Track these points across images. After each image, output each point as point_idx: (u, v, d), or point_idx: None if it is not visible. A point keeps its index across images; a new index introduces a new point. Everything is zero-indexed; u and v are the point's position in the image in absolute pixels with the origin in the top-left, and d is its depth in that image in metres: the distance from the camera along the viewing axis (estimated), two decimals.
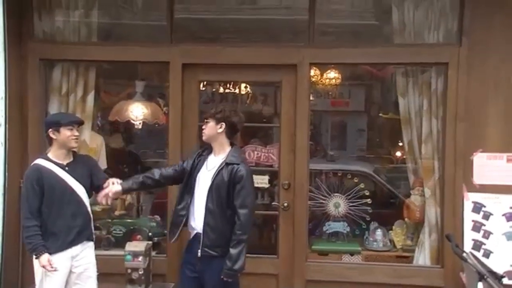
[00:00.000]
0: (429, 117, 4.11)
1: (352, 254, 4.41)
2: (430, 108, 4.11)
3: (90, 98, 4.36)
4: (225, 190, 3.24)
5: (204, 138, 3.42)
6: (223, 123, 3.32)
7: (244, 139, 4.81)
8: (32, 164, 3.40)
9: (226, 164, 3.28)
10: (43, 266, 3.23)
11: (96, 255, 3.53)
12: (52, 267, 3.22)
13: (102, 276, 3.56)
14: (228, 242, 3.23)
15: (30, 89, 4.20)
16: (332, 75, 6.49)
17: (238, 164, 3.26)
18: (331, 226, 4.54)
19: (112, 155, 5.15)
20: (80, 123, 3.50)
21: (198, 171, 3.38)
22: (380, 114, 8.27)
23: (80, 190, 3.38)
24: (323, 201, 4.52)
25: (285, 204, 4.18)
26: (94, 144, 4.63)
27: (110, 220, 4.62)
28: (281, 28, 4.89)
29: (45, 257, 3.22)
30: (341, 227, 4.53)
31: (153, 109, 5.27)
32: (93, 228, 3.53)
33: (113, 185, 3.40)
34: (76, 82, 4.33)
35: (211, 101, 7.23)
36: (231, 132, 3.38)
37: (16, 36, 4.12)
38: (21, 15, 4.21)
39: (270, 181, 4.52)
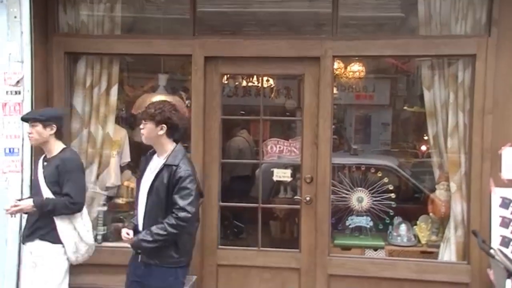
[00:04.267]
0: (455, 110, 4.02)
1: (375, 249, 4.36)
2: (456, 101, 4.02)
3: (114, 91, 4.40)
4: (165, 193, 3.06)
5: (143, 140, 3.24)
6: (164, 125, 3.12)
7: (267, 132, 4.81)
8: None
9: (166, 165, 3.10)
10: None
11: (118, 247, 3.57)
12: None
13: (125, 268, 3.59)
14: (169, 250, 3.08)
15: (55, 82, 4.26)
16: (356, 68, 6.42)
17: (176, 166, 3.07)
18: (354, 221, 4.49)
19: (136, 148, 5.18)
20: (25, 120, 3.44)
21: (143, 174, 3.24)
22: (405, 108, 8.16)
23: (44, 187, 3.35)
24: (346, 196, 4.47)
25: (308, 198, 4.15)
26: (118, 137, 4.67)
27: (132, 213, 4.66)
28: (304, 21, 4.84)
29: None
30: (364, 221, 4.48)
31: (176, 102, 5.28)
32: (56, 229, 3.33)
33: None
34: (100, 75, 4.37)
35: (234, 95, 7.25)
36: (172, 132, 3.17)
37: (41, 30, 4.18)
38: (46, 9, 4.26)
39: (292, 175, 4.51)
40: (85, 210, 3.52)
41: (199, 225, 3.39)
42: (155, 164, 3.19)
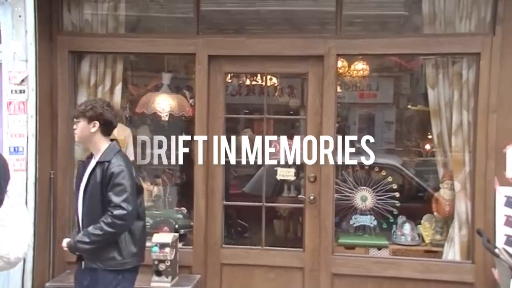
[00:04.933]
0: (459, 108, 4.01)
1: (379, 248, 4.36)
2: (460, 100, 4.00)
3: (118, 90, 4.41)
4: (99, 191, 2.95)
5: (76, 140, 3.14)
6: (96, 122, 3.01)
7: (270, 130, 4.80)
8: None
9: (99, 163, 2.98)
10: None
11: None
12: None
13: None
14: (110, 253, 2.97)
15: (59, 81, 4.27)
16: (360, 66, 6.39)
17: (108, 161, 2.95)
18: (358, 220, 4.48)
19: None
20: None
21: (81, 180, 3.10)
22: (409, 106, 8.14)
23: None
24: (350, 194, 4.47)
25: (311, 197, 4.15)
26: (122, 136, 4.66)
27: None
28: (308, 19, 4.84)
29: None
30: (368, 220, 4.47)
31: (179, 101, 5.29)
32: None
33: None
34: (104, 74, 4.38)
35: (237, 94, 7.24)
36: (107, 129, 3.07)
37: (46, 29, 4.19)
38: (51, 8, 4.27)
39: (296, 174, 4.50)
40: (13, 216, 3.26)
41: (145, 224, 3.24)
42: (90, 166, 3.07)
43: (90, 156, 3.15)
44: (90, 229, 2.93)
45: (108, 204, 2.93)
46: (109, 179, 2.93)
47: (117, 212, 2.88)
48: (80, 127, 3.04)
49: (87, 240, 2.92)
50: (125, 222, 2.92)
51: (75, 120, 3.07)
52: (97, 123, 3.02)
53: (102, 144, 3.07)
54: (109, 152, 3.03)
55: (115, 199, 2.90)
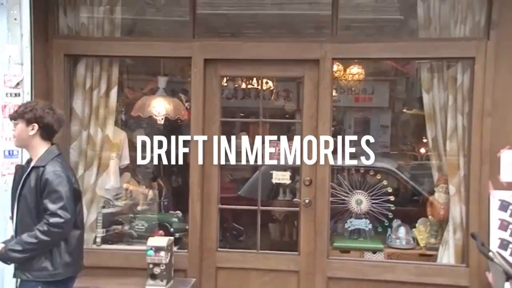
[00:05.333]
0: (454, 113, 4.03)
1: (374, 252, 4.36)
2: (455, 104, 4.02)
3: (114, 93, 4.40)
4: (33, 198, 2.83)
5: (14, 143, 3.01)
6: (35, 124, 2.89)
7: (267, 134, 4.80)
8: None
9: (34, 168, 2.87)
10: None
11: (117, 250, 3.55)
12: None
13: (124, 271, 3.60)
14: (42, 262, 2.84)
15: (55, 84, 4.25)
16: (355, 70, 6.43)
17: (43, 167, 2.83)
18: (353, 223, 4.49)
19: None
20: None
21: (18, 184, 2.95)
22: (404, 110, 8.18)
23: None
24: (345, 198, 4.47)
25: (307, 201, 4.15)
26: (117, 140, 4.68)
27: (132, 215, 4.67)
28: (304, 23, 4.86)
29: None
30: (363, 224, 4.48)
31: (175, 104, 5.30)
32: None
33: None
34: (100, 77, 4.37)
35: (233, 97, 7.26)
36: (47, 133, 2.94)
37: (41, 32, 4.17)
38: (46, 11, 4.26)
39: (291, 177, 4.51)
40: None
41: (83, 233, 3.13)
42: (27, 171, 2.94)
43: (30, 161, 3.03)
44: (24, 237, 2.81)
45: (44, 211, 2.81)
46: (44, 186, 2.81)
47: (53, 220, 2.77)
48: (18, 129, 2.93)
49: (19, 248, 2.79)
50: (61, 230, 2.81)
51: (13, 121, 2.95)
52: (35, 126, 2.91)
53: (40, 148, 2.95)
54: (46, 156, 2.92)
55: (51, 207, 2.79)
